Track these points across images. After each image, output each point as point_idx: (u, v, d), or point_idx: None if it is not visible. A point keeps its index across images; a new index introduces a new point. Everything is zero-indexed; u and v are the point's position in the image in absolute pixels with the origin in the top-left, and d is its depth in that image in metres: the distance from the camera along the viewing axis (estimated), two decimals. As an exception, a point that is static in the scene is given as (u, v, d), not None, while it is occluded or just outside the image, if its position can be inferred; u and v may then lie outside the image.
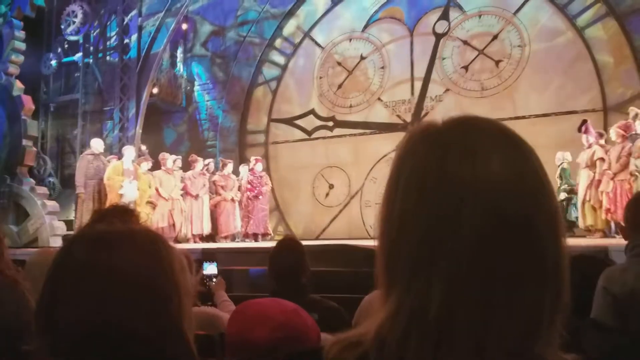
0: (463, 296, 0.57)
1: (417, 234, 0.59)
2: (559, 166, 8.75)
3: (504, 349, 0.56)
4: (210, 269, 3.18)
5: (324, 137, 12.21)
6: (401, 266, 0.60)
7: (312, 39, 12.68)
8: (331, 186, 12.02)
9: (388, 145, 11.29)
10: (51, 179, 11.98)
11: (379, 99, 11.83)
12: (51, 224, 9.94)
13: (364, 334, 0.61)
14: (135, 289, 0.78)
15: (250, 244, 9.76)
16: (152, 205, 9.53)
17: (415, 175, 0.61)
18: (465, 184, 0.58)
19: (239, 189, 10.56)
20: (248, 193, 10.36)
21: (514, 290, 0.57)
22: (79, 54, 12.36)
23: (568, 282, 0.61)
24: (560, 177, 8.75)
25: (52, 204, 10.31)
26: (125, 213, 0.96)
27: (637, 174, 7.37)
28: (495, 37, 10.92)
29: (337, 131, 12.11)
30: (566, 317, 0.61)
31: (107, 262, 0.78)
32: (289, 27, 12.91)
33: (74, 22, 11.99)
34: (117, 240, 0.82)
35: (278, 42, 13.00)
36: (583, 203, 8.09)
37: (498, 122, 0.66)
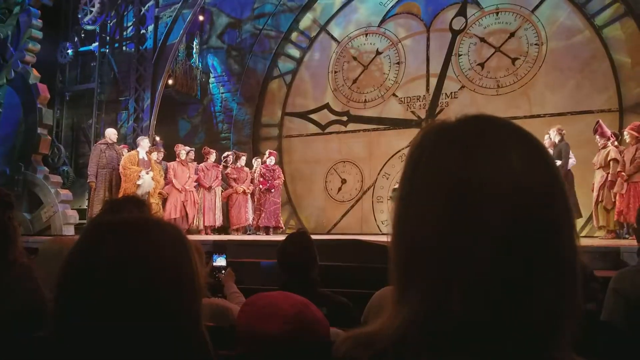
0: (485, 299, 0.56)
1: (436, 235, 0.58)
2: None
3: (524, 352, 0.56)
4: (219, 261, 3.20)
5: (337, 132, 12.20)
6: (419, 268, 0.59)
7: (328, 33, 12.65)
8: (344, 181, 12.01)
9: (402, 141, 11.26)
10: (65, 168, 12.08)
11: (393, 94, 11.78)
12: (64, 212, 10.01)
13: (375, 333, 0.61)
14: (164, 279, 0.79)
15: (261, 236, 9.79)
16: (162, 195, 9.58)
17: (433, 175, 0.60)
18: (486, 185, 0.57)
19: (252, 181, 10.60)
20: (260, 186, 10.39)
21: (534, 293, 0.57)
22: (96, 44, 12.42)
23: (580, 284, 0.60)
24: None
25: (65, 193, 10.40)
26: (138, 204, 0.97)
27: (651, 175, 7.30)
28: (512, 34, 10.82)
29: (351, 126, 12.09)
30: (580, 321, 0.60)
31: (136, 251, 0.79)
32: (305, 21, 12.89)
33: (90, 12, 12.05)
34: (146, 229, 0.82)
35: (294, 36, 12.99)
36: (596, 203, 8.03)
37: (512, 121, 0.65)
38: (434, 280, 0.58)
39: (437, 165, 0.60)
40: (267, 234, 10.29)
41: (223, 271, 3.18)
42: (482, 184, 0.57)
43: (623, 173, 7.61)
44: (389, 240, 0.64)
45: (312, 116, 12.51)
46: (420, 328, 0.57)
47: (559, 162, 7.77)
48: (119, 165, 9.42)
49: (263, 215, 10.34)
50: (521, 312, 0.56)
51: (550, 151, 7.95)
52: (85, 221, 10.21)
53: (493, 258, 0.56)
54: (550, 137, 8.32)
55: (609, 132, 8.10)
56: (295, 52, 12.97)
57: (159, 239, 0.82)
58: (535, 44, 10.61)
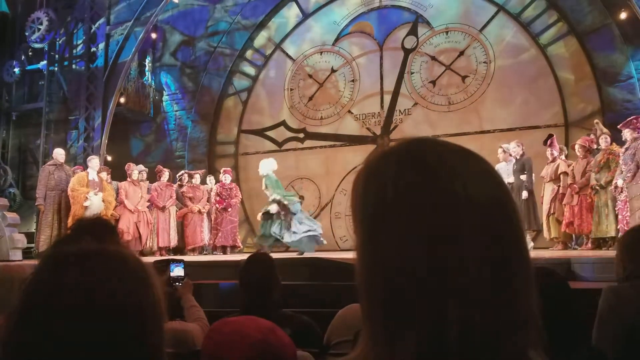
0: (477, 314, 0.56)
1: (419, 256, 0.57)
2: (265, 175, 8.64)
3: (512, 356, 0.58)
4: (177, 270, 3.10)
5: (294, 149, 12.22)
6: (405, 293, 0.57)
7: (283, 51, 12.72)
8: (301, 198, 12.00)
9: (358, 157, 11.36)
10: (12, 190, 11.68)
11: (349, 111, 11.92)
12: (11, 236, 9.62)
13: None
14: (125, 310, 0.77)
15: (219, 256, 9.66)
16: (114, 217, 9.33)
17: (404, 198, 0.59)
18: (461, 205, 0.58)
19: (208, 200, 10.47)
20: (217, 205, 10.28)
21: (514, 304, 0.59)
22: (44, 62, 12.11)
23: (536, 295, 0.62)
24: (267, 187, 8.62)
25: (12, 216, 10.00)
26: (108, 228, 0.95)
27: (597, 187, 7.60)
28: (461, 53, 11.14)
29: (308, 143, 12.14)
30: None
31: (96, 283, 0.77)
32: (260, 39, 12.93)
33: (39, 29, 11.74)
34: (106, 260, 0.81)
35: (249, 53, 13.00)
36: (548, 216, 8.28)
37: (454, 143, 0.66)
38: (428, 303, 0.57)
39: (408, 188, 0.60)
40: (225, 253, 10.17)
41: (179, 282, 3.09)
42: (460, 204, 0.58)
43: (575, 185, 7.89)
44: (356, 272, 0.63)
45: (269, 133, 12.51)
46: (426, 356, 0.56)
47: (523, 177, 7.96)
48: (68, 187, 9.15)
49: (220, 234, 10.21)
50: (509, 322, 0.58)
51: (505, 166, 8.20)
52: (32, 245, 9.87)
53: (480, 275, 0.57)
54: (504, 151, 8.52)
55: (558, 146, 8.41)
56: (250, 70, 12.97)
57: (119, 269, 0.80)
58: (484, 62, 10.95)
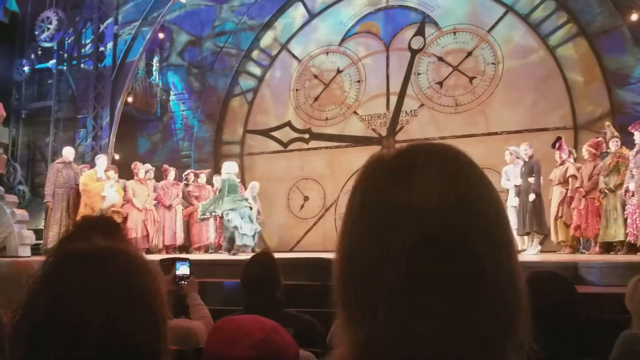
0: (406, 318, 0.58)
1: (362, 259, 0.61)
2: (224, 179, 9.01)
3: None
4: (182, 269, 3.11)
5: (299, 149, 12.23)
6: (352, 292, 0.62)
7: (289, 51, 12.73)
8: (306, 198, 12.02)
9: (363, 158, 11.00)
10: (21, 187, 11.75)
11: (354, 112, 11.91)
12: (20, 232, 9.69)
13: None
14: (131, 309, 0.78)
15: (223, 255, 9.67)
16: (120, 214, 9.39)
17: (360, 203, 0.64)
18: (398, 209, 0.60)
19: (214, 199, 10.49)
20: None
21: (455, 308, 0.58)
22: (53, 61, 12.18)
23: (519, 295, 0.61)
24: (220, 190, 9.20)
25: (21, 213, 10.07)
26: (112, 225, 0.95)
27: (605, 191, 7.55)
28: (469, 54, 11.11)
29: (313, 143, 12.15)
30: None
31: (102, 282, 0.78)
32: (266, 39, 12.95)
33: (48, 29, 11.81)
34: (112, 259, 0.81)
35: (255, 54, 13.02)
36: (555, 219, 8.23)
37: (442, 144, 0.67)
38: (363, 304, 0.60)
39: (366, 193, 0.64)
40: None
41: (185, 281, 3.10)
42: (396, 208, 0.60)
43: (581, 189, 7.84)
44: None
45: (274, 134, 12.52)
46: (363, 353, 0.60)
47: (531, 179, 7.93)
48: (76, 184, 9.21)
49: (225, 233, 10.22)
50: (448, 329, 0.57)
51: (513, 168, 8.15)
52: (41, 242, 9.93)
53: (410, 279, 0.58)
54: (511, 153, 8.50)
55: (567, 149, 8.36)
56: (256, 70, 12.99)
57: (126, 267, 0.81)
58: (492, 63, 10.91)
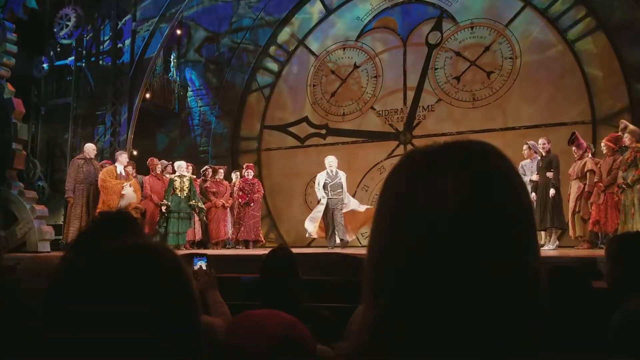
0: (403, 309, 0.60)
1: (382, 251, 0.65)
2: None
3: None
4: (200, 264, 3.13)
5: (316, 145, 12.23)
6: (375, 281, 0.65)
7: (306, 47, 12.73)
8: (323, 194, 11.99)
9: (380, 153, 11.36)
10: (40, 183, 11.90)
11: (371, 107, 11.88)
12: (40, 228, 9.84)
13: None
14: (166, 307, 0.77)
15: (241, 250, 9.74)
16: (139, 210, 9.48)
17: (386, 198, 0.67)
18: (415, 206, 0.62)
19: (231, 195, 10.56)
20: (239, 200, 10.35)
21: (457, 301, 0.59)
22: (72, 58, 12.32)
23: (529, 292, 0.61)
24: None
25: (41, 208, 10.22)
26: (131, 221, 0.95)
27: (624, 186, 7.45)
28: (487, 48, 11.02)
29: (330, 139, 12.14)
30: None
31: (137, 280, 0.77)
32: (283, 35, 12.96)
33: (67, 26, 11.93)
34: (145, 257, 0.81)
35: (272, 50, 13.04)
36: (573, 214, 8.15)
37: (474, 141, 0.68)
38: (375, 293, 0.64)
39: (390, 189, 0.66)
40: (247, 247, 10.23)
41: (202, 277, 3.12)
42: (410, 205, 0.62)
43: (600, 184, 7.75)
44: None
45: (291, 129, 12.54)
46: (370, 337, 0.63)
47: (549, 174, 7.86)
48: (96, 180, 9.31)
49: (242, 228, 10.27)
50: (450, 322, 0.59)
51: (530, 163, 8.09)
52: (61, 237, 10.06)
53: (411, 268, 0.61)
54: (529, 148, 8.43)
55: (585, 144, 8.26)
56: (273, 66, 13.01)
57: (160, 267, 0.80)
58: (510, 58, 10.81)
